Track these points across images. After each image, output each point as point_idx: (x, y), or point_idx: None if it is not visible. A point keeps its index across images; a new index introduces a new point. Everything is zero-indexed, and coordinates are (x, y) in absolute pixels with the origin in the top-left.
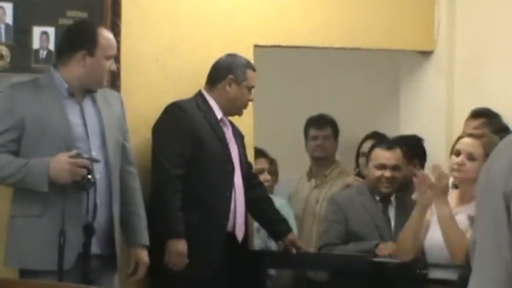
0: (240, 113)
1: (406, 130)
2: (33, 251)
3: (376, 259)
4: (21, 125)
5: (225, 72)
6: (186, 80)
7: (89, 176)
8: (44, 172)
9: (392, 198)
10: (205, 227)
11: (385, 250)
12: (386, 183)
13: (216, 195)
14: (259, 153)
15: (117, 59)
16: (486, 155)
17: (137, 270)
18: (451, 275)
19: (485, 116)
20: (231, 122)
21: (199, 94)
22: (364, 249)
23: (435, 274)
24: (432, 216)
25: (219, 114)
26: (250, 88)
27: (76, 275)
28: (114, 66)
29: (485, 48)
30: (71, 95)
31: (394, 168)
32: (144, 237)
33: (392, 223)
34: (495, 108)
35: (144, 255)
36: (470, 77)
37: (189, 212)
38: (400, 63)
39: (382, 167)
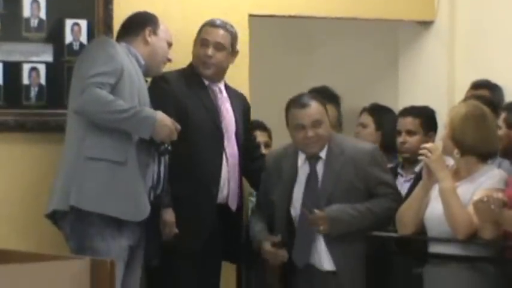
0: (201, 72)
1: (405, 101)
2: (110, 197)
3: (375, 233)
4: (120, 74)
5: None
6: (180, 50)
7: (167, 144)
8: (152, 119)
9: (323, 154)
10: (195, 198)
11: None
12: (312, 143)
13: (205, 164)
14: (259, 126)
15: (110, 28)
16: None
17: (165, 231)
18: (451, 249)
19: (485, 88)
20: (232, 90)
21: (190, 62)
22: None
23: (435, 248)
24: (432, 190)
25: (206, 81)
26: (202, 41)
27: (137, 232)
28: (171, 56)
29: (486, 18)
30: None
31: (314, 125)
32: (166, 200)
33: (320, 180)
34: (496, 79)
35: (167, 215)
36: (472, 47)
37: (178, 182)
38: (399, 34)
39: (302, 127)
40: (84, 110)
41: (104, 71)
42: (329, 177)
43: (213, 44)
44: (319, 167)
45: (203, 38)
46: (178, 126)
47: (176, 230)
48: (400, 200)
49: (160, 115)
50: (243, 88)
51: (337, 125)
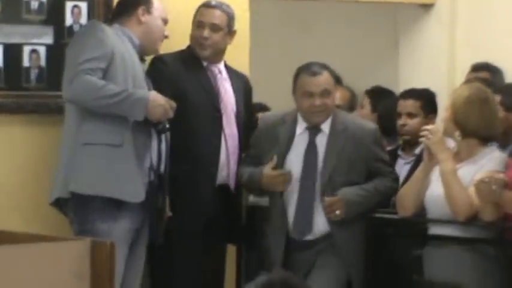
0: (198, 53)
1: (406, 84)
2: (107, 179)
3: (376, 215)
4: (111, 57)
5: None
6: (180, 32)
7: (167, 124)
8: (144, 100)
9: (325, 127)
10: (194, 178)
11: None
12: (318, 112)
13: (203, 144)
14: (261, 108)
15: (110, 9)
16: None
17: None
18: (451, 231)
19: (485, 70)
20: (233, 71)
21: (188, 45)
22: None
23: (435, 230)
24: (433, 172)
25: (205, 62)
26: (198, 23)
27: (139, 213)
28: (167, 32)
29: (486, 0)
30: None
31: (323, 94)
32: None
33: (322, 151)
34: (497, 61)
35: None
36: (472, 30)
37: (177, 163)
38: (400, 16)
39: (310, 95)
40: (75, 99)
41: (93, 57)
42: (332, 152)
43: (209, 25)
44: (319, 140)
45: (199, 19)
46: (174, 104)
47: (170, 213)
48: (397, 180)
49: (153, 95)
50: (244, 69)
51: (349, 107)
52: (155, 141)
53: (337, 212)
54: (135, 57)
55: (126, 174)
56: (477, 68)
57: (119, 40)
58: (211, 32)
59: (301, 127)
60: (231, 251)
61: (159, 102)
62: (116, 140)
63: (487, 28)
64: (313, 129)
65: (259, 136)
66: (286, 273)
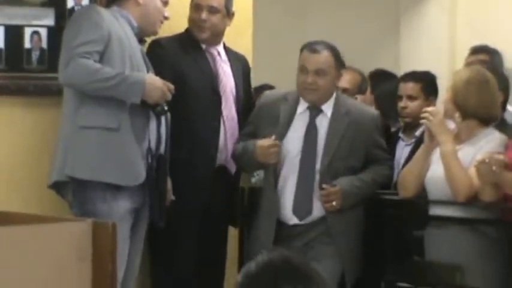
0: (196, 36)
1: (407, 66)
2: (103, 164)
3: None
4: (107, 39)
5: None
6: (183, 14)
7: (165, 105)
8: (141, 83)
9: (327, 109)
10: (193, 161)
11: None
12: (309, 90)
13: (202, 127)
14: (270, 89)
15: None
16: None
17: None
18: (451, 212)
19: (484, 52)
20: (232, 53)
21: (187, 28)
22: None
23: (435, 211)
24: (433, 153)
25: (203, 45)
26: (195, 7)
27: (137, 196)
28: (168, 13)
29: None
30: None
31: (317, 73)
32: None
33: (323, 133)
34: (497, 43)
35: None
36: (472, 12)
37: (176, 147)
38: (401, 0)
39: (305, 71)
40: (71, 83)
41: (89, 40)
42: (334, 135)
43: (206, 7)
44: (319, 121)
45: (196, 2)
46: (171, 86)
47: (173, 197)
48: (392, 167)
49: (150, 78)
50: (247, 53)
51: (358, 90)
52: (154, 123)
53: (334, 203)
54: (133, 40)
55: (123, 158)
56: (476, 50)
57: (116, 22)
58: (209, 14)
59: (302, 106)
60: (234, 232)
61: (156, 85)
62: (113, 124)
63: (487, 11)
64: (314, 110)
65: (259, 113)
66: (287, 252)
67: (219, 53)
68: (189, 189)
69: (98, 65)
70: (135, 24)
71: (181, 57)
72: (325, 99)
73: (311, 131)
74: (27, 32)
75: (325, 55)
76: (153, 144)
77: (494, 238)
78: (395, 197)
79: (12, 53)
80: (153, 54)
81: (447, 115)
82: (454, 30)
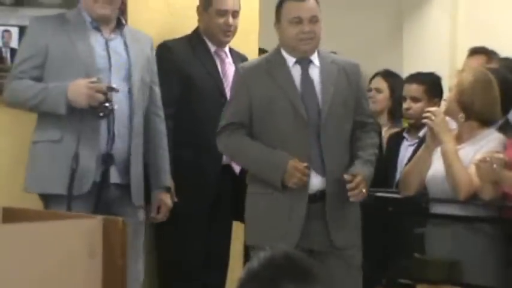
0: (221, 40)
1: (410, 67)
2: (49, 176)
3: (378, 194)
4: (45, 52)
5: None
6: (192, 16)
7: (107, 104)
8: (63, 94)
9: (315, 59)
10: (199, 161)
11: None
12: (307, 40)
13: (209, 129)
14: None
15: None
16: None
17: (160, 212)
18: (451, 210)
19: (482, 53)
20: (236, 53)
21: (196, 29)
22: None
23: (436, 209)
24: (435, 152)
25: (213, 48)
26: (220, 12)
27: (90, 203)
28: None
29: None
30: (97, 28)
31: (312, 20)
32: (167, 180)
33: (317, 83)
34: (497, 44)
35: (166, 198)
36: (473, 14)
37: (183, 147)
38: (403, 2)
39: (298, 21)
40: (11, 106)
41: (25, 57)
42: (327, 82)
43: (232, 12)
44: (311, 71)
45: (221, 8)
46: (100, 85)
47: (175, 199)
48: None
49: (72, 85)
50: (253, 56)
51: None
52: (105, 124)
53: (363, 190)
54: (86, 38)
55: (69, 168)
56: (475, 51)
57: (59, 28)
58: (233, 19)
59: (290, 62)
60: (240, 227)
61: (79, 91)
62: (55, 136)
63: (489, 13)
64: (304, 61)
65: (244, 90)
66: (290, 250)
67: (226, 54)
68: (196, 190)
69: (29, 83)
70: (88, 19)
71: (190, 60)
72: (316, 49)
73: (306, 82)
74: None
75: (312, 1)
76: (103, 146)
77: (494, 235)
78: (397, 195)
79: None
80: (162, 58)
81: (449, 114)
82: (456, 32)
